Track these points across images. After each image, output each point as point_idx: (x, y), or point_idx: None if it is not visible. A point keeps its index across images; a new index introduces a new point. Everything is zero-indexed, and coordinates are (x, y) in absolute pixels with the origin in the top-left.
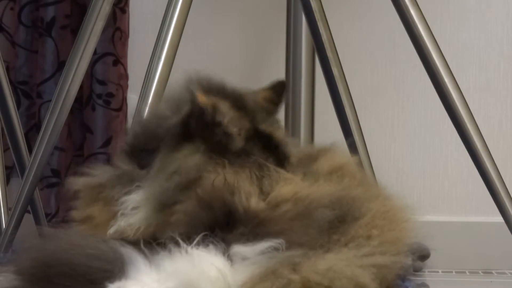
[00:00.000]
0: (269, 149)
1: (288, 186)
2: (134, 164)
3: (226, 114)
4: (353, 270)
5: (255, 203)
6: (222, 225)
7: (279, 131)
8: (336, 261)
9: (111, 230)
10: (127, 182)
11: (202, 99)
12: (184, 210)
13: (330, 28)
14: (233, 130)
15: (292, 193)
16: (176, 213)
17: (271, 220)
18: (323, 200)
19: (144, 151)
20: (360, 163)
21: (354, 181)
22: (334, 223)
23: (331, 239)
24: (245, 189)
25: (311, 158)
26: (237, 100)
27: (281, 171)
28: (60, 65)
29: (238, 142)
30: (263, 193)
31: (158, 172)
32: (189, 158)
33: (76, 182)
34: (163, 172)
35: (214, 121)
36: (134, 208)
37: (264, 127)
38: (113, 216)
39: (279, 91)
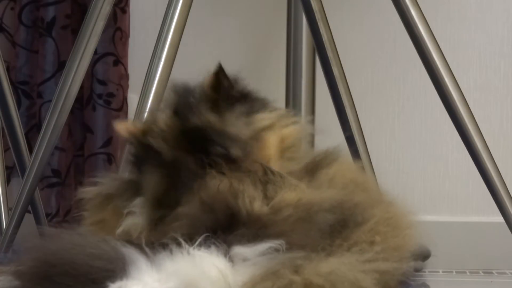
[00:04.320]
0: (202, 147)
1: (292, 192)
2: (139, 173)
3: (154, 135)
4: (355, 275)
5: (259, 207)
6: (224, 228)
7: (220, 120)
8: (338, 264)
9: (119, 231)
10: (134, 190)
11: (121, 129)
12: (187, 213)
13: (331, 28)
14: (160, 145)
15: (296, 199)
16: (179, 216)
17: (273, 223)
18: (324, 204)
19: (144, 158)
20: (362, 168)
21: (358, 187)
22: (336, 227)
23: (334, 243)
24: (249, 193)
25: (316, 167)
26: (180, 103)
27: (287, 177)
28: (61, 65)
29: (168, 154)
30: (267, 198)
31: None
32: (150, 180)
33: (87, 192)
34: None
35: (145, 146)
36: (140, 208)
37: (197, 120)
38: (122, 219)
39: (217, 74)
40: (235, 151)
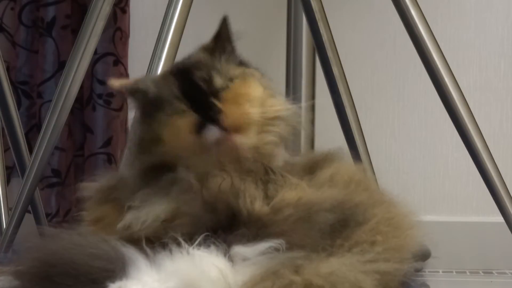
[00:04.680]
0: (186, 78)
1: (292, 191)
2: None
3: (144, 79)
4: (356, 275)
5: (259, 206)
6: (225, 227)
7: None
8: (339, 265)
9: (120, 225)
10: (133, 186)
11: (115, 83)
12: (189, 212)
13: (331, 28)
14: (147, 85)
15: (296, 199)
16: (180, 215)
17: (273, 223)
18: (324, 204)
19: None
20: (364, 170)
21: (359, 187)
22: (336, 227)
23: (334, 243)
24: (250, 193)
25: (316, 166)
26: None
27: (287, 176)
28: (61, 65)
29: (152, 91)
30: (268, 198)
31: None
32: (138, 125)
33: (87, 187)
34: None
35: (134, 91)
36: (141, 202)
37: (188, 61)
38: (123, 214)
39: (220, 26)
40: (218, 81)
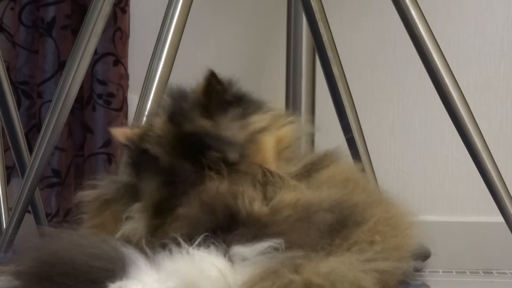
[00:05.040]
0: (198, 152)
1: (291, 193)
2: (136, 176)
3: (150, 140)
4: (355, 274)
5: (258, 207)
6: (224, 228)
7: (215, 125)
8: (338, 264)
9: (118, 234)
10: (132, 194)
11: (120, 136)
12: (187, 214)
13: (331, 28)
14: (157, 151)
15: (295, 200)
16: (179, 217)
17: (272, 223)
18: (323, 204)
19: (141, 163)
20: (362, 170)
21: (357, 187)
22: (335, 227)
23: (333, 243)
24: (248, 194)
25: (314, 166)
26: (174, 109)
27: (286, 178)
28: (61, 65)
29: (165, 160)
30: (266, 199)
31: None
32: (148, 186)
33: (86, 195)
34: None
35: (142, 151)
36: (138, 214)
37: (191, 127)
38: (120, 223)
39: (208, 80)
40: (232, 155)
